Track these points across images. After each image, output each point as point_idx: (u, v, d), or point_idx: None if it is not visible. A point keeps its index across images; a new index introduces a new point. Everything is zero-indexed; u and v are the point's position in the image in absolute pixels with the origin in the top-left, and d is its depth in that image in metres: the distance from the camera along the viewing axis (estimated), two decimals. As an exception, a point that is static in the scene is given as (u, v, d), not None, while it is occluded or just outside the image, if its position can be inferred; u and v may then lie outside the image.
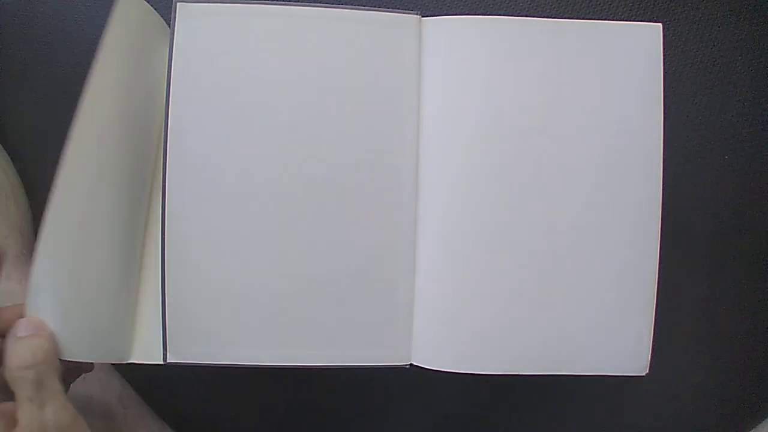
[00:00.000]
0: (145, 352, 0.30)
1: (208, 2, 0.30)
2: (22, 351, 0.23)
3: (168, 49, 0.29)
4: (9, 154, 0.42)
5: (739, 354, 0.30)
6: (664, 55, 0.29)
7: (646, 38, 0.30)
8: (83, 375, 0.31)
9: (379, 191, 0.30)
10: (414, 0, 0.34)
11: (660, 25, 0.29)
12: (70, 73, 0.41)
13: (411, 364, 0.31)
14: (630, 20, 0.30)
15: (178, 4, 0.29)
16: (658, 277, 0.29)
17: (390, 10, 0.31)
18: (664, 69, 0.29)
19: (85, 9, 0.41)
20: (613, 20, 0.30)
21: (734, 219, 0.30)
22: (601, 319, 0.29)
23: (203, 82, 0.29)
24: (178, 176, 0.29)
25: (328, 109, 0.30)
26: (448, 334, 0.30)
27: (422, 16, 0.31)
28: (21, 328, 0.24)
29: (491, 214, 0.30)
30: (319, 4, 0.30)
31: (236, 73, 0.29)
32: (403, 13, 0.31)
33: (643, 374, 0.28)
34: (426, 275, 0.30)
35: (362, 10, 0.30)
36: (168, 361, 0.30)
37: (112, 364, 0.35)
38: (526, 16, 0.30)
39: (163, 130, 0.29)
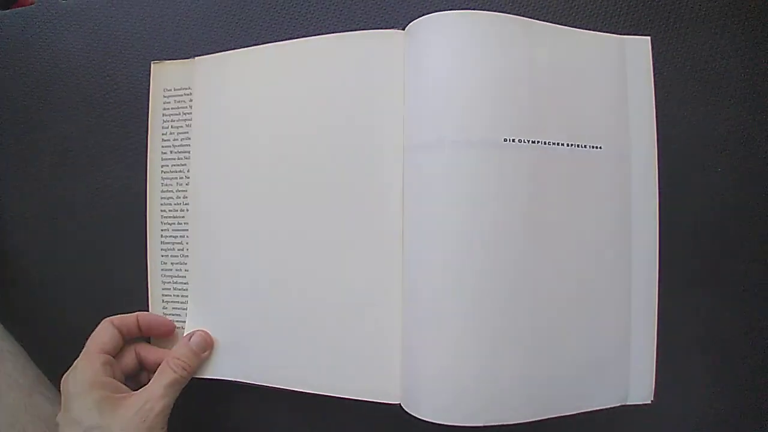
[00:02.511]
0: None
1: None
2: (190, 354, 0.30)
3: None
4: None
5: (744, 378, 0.30)
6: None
7: (636, 51, 0.29)
8: None
9: (367, 227, 0.30)
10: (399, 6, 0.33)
11: (648, 38, 0.29)
12: (33, 97, 0.38)
13: (400, 405, 0.29)
14: (618, 32, 0.29)
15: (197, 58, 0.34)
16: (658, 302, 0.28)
17: (374, 29, 0.30)
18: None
19: (53, 26, 0.38)
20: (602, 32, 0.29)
21: (732, 236, 0.29)
22: (604, 352, 0.28)
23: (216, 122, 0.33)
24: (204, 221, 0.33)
25: (320, 137, 0.31)
26: (438, 385, 0.27)
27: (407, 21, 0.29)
28: (199, 342, 0.31)
29: (479, 259, 0.27)
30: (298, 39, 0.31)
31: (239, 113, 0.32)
32: (387, 30, 0.30)
33: (649, 402, 0.28)
34: (413, 324, 0.28)
35: (346, 34, 0.31)
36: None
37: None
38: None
39: None
